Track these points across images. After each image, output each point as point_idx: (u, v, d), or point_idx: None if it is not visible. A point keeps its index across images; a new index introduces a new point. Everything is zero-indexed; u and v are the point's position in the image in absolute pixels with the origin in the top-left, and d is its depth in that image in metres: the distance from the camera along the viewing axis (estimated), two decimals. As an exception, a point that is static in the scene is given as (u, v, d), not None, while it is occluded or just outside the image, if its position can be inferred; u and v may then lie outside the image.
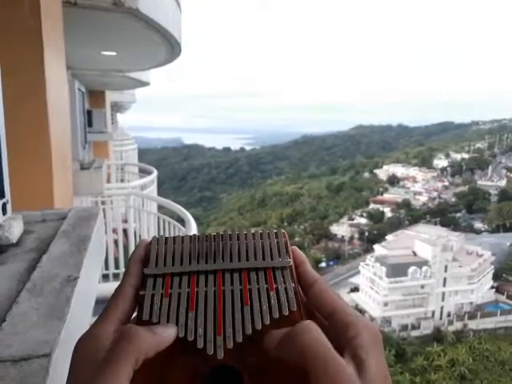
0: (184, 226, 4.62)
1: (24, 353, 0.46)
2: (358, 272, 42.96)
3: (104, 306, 0.33)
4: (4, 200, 0.90)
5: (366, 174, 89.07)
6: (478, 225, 62.36)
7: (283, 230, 0.39)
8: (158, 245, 0.37)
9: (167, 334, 0.31)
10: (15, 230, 0.94)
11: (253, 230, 0.39)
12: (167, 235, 0.37)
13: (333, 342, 0.31)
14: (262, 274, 0.35)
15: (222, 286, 0.35)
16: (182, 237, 0.38)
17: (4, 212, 0.90)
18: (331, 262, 52.40)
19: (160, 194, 8.74)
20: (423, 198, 70.92)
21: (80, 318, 0.65)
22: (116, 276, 4.62)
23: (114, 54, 5.06)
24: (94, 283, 0.92)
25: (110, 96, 11.45)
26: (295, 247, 0.38)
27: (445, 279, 39.23)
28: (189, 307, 0.33)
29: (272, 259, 0.36)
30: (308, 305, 0.36)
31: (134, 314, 0.35)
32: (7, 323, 0.53)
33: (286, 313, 0.33)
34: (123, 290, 0.35)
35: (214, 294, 0.34)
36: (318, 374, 0.28)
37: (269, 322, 0.33)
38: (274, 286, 0.35)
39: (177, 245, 0.37)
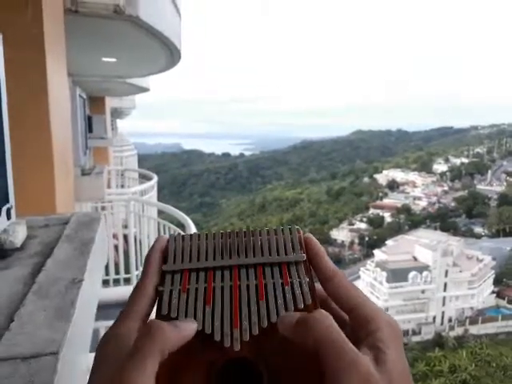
0: (184, 231, 4.63)
1: (33, 351, 0.48)
2: (359, 277, 42.84)
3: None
4: (8, 205, 0.92)
5: (366, 179, 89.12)
6: (478, 229, 62.31)
7: (297, 226, 0.40)
8: (175, 242, 0.38)
9: (189, 328, 0.32)
10: (19, 234, 0.96)
11: (267, 227, 0.40)
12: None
13: (352, 336, 0.31)
14: (276, 269, 0.36)
15: (237, 281, 0.35)
16: (199, 234, 0.39)
17: (8, 217, 0.92)
18: (331, 268, 52.23)
19: (160, 199, 8.75)
20: (423, 203, 70.92)
21: (84, 320, 0.67)
22: (116, 281, 4.62)
23: (114, 60, 5.10)
24: (97, 286, 0.94)
25: (110, 102, 11.49)
26: (312, 237, 0.38)
27: (445, 284, 39.15)
28: (206, 301, 0.34)
29: (286, 254, 0.37)
30: (327, 298, 0.36)
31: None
32: (15, 324, 0.54)
33: (301, 306, 0.34)
34: (142, 287, 0.35)
35: (230, 289, 0.35)
36: (333, 361, 0.28)
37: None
38: (289, 280, 0.35)
39: (193, 242, 0.39)
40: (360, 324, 0.32)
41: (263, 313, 0.33)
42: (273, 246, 0.38)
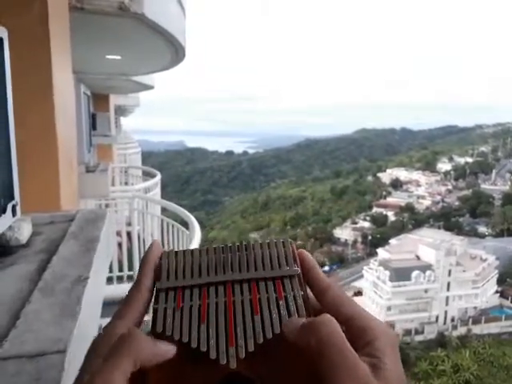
0: (187, 228, 4.63)
1: (39, 349, 0.48)
2: (362, 276, 42.82)
3: (109, 308, 0.33)
4: (13, 202, 0.92)
5: (370, 178, 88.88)
6: (482, 229, 62.03)
7: (290, 240, 0.40)
8: (168, 259, 0.38)
9: (167, 349, 0.32)
10: (24, 231, 0.96)
11: (260, 240, 0.40)
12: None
13: None
14: (270, 284, 0.36)
15: (232, 297, 0.35)
16: (192, 250, 0.39)
17: (14, 214, 0.92)
18: (334, 266, 52.26)
19: (163, 196, 8.76)
20: (427, 202, 70.69)
21: (90, 317, 0.67)
22: (120, 279, 4.63)
23: (119, 57, 5.10)
24: (102, 283, 0.94)
25: (114, 100, 11.50)
26: (304, 251, 0.39)
27: (448, 283, 39.03)
28: (200, 319, 0.34)
29: (280, 268, 0.37)
30: (322, 310, 0.36)
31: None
32: (21, 321, 0.54)
33: None
34: (137, 290, 0.35)
35: (224, 305, 0.35)
36: (333, 364, 0.29)
37: (279, 331, 0.33)
38: (283, 294, 0.35)
39: (187, 258, 0.38)
40: (356, 334, 0.33)
41: (258, 329, 0.33)
42: (266, 260, 0.38)
